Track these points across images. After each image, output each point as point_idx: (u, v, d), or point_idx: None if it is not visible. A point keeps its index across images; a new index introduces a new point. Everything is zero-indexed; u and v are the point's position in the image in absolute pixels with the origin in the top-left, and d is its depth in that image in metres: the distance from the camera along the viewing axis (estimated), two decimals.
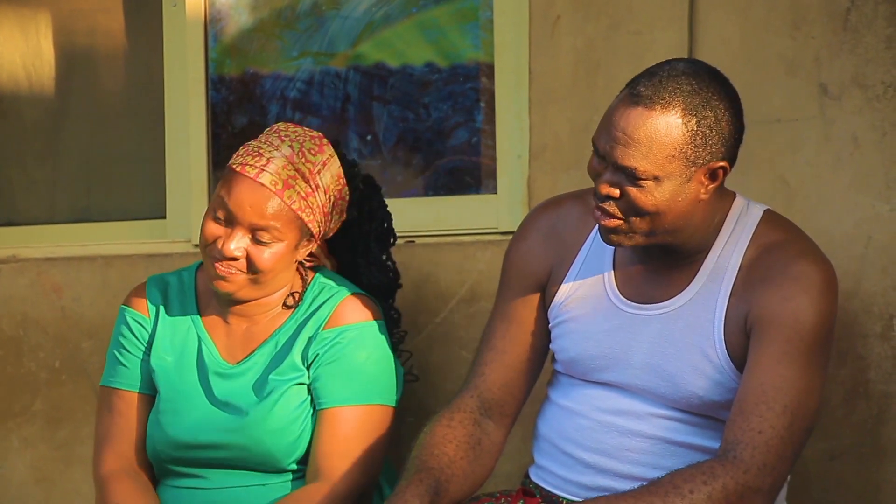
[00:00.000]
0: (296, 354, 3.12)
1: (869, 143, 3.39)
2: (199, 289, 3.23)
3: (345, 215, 3.20)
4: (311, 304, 3.16)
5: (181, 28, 4.00)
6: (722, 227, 2.85)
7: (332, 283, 3.19)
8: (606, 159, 2.74)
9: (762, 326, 2.76)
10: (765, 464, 2.69)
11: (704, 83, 2.74)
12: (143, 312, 3.22)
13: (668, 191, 2.73)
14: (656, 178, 2.72)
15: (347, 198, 3.16)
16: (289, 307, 3.17)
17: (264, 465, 3.11)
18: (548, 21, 3.63)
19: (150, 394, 3.20)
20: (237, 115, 4.10)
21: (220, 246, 3.05)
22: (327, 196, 3.10)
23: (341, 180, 3.14)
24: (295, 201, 3.05)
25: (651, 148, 2.70)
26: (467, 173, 3.94)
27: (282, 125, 3.15)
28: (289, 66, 4.09)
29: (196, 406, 3.13)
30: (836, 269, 3.34)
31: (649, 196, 2.73)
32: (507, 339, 2.99)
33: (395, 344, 3.30)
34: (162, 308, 3.21)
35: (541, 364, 3.03)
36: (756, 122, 3.45)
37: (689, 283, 2.85)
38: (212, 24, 4.05)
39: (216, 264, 3.07)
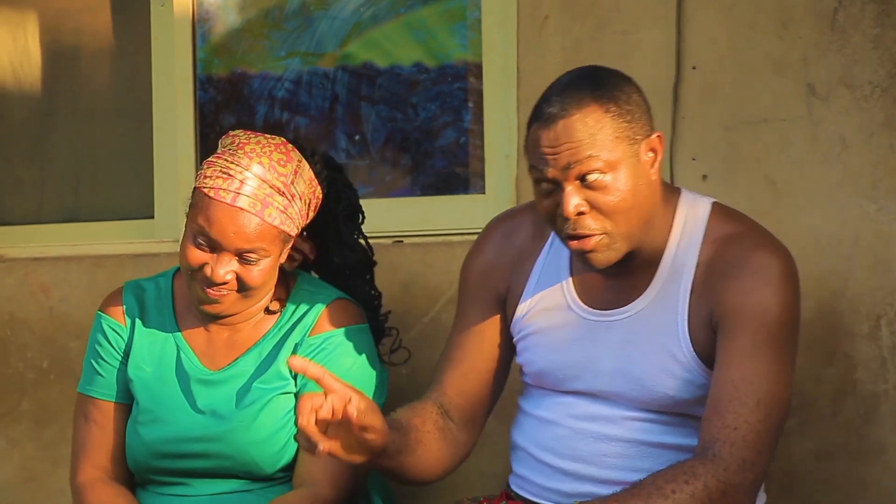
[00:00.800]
0: (281, 363, 3.11)
1: (856, 143, 3.40)
2: (175, 295, 3.21)
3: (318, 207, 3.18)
4: (294, 311, 3.16)
5: (169, 27, 3.99)
6: (673, 225, 2.86)
7: (314, 288, 3.19)
8: (559, 179, 2.74)
9: (727, 322, 2.77)
10: (744, 460, 2.69)
11: (594, 76, 2.80)
12: (118, 320, 3.21)
13: (627, 179, 2.75)
14: (613, 168, 2.74)
15: (320, 195, 3.15)
16: (272, 313, 3.17)
17: (249, 474, 3.10)
18: (536, 21, 3.63)
19: (126, 403, 3.18)
20: (225, 114, 4.10)
21: (209, 273, 3.03)
22: (304, 201, 3.09)
23: (313, 182, 3.13)
24: (275, 217, 3.04)
25: (595, 139, 2.73)
26: (455, 173, 3.94)
27: (241, 135, 3.11)
28: (277, 66, 4.08)
29: (178, 415, 3.11)
30: (824, 269, 3.36)
31: (614, 191, 2.74)
32: (465, 349, 3.00)
33: (393, 343, 3.31)
34: (138, 316, 3.19)
35: (503, 374, 3.02)
36: (743, 122, 3.46)
37: (648, 286, 2.86)
38: (200, 24, 4.05)
39: (207, 290, 3.05)
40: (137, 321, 3.19)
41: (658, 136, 2.80)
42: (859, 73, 3.40)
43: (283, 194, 3.05)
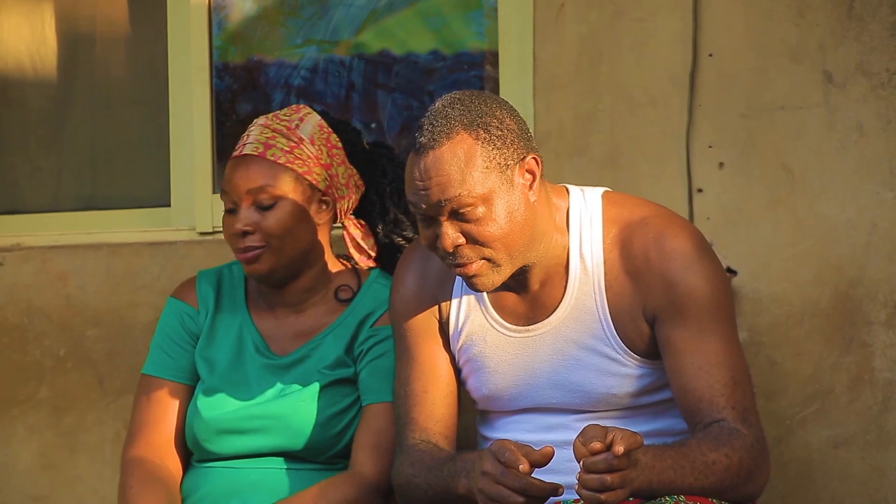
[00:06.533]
0: (346, 350, 3.16)
1: (873, 130, 3.39)
2: (248, 282, 3.28)
3: (362, 184, 3.25)
4: (364, 302, 3.20)
5: (185, 15, 3.99)
6: (570, 225, 2.86)
7: (387, 282, 3.22)
8: (433, 215, 2.75)
9: (665, 314, 2.80)
10: (758, 437, 2.75)
11: (466, 102, 2.78)
12: (192, 304, 3.27)
13: (501, 208, 2.74)
14: (486, 200, 2.73)
15: (340, 146, 3.21)
16: (342, 301, 3.20)
17: (303, 456, 3.14)
18: (552, 9, 3.63)
19: (190, 384, 3.25)
20: (241, 102, 4.10)
21: (233, 230, 3.11)
22: (316, 146, 3.16)
23: (326, 129, 3.20)
24: (280, 156, 3.13)
25: (464, 174, 2.72)
26: None
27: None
28: (293, 54, 4.08)
29: (240, 393, 3.17)
30: (841, 257, 3.36)
31: (489, 223, 2.74)
32: (425, 380, 2.98)
33: None
34: (212, 301, 3.26)
35: (461, 388, 3.01)
36: (760, 110, 3.46)
37: (563, 293, 2.86)
38: (216, 12, 4.05)
39: (240, 252, 3.14)
40: (211, 306, 3.26)
41: (534, 157, 2.78)
42: (876, 60, 3.39)
43: (287, 137, 3.15)
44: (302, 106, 3.26)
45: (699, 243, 2.84)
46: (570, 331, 2.86)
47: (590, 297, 2.84)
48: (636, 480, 2.58)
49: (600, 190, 2.91)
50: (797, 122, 3.44)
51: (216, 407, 3.17)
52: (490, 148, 2.74)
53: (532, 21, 3.66)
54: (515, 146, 2.76)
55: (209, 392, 3.19)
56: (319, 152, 3.17)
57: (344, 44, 4.04)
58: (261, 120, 3.21)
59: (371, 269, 3.29)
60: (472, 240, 2.75)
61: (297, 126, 3.18)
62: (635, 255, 2.82)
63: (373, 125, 4.01)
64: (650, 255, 2.81)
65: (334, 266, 3.26)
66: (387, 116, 4.01)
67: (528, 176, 2.78)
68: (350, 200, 3.26)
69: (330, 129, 3.22)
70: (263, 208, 3.11)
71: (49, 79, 4.30)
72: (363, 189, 3.30)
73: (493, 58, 3.82)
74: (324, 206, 3.20)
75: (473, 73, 3.92)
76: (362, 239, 3.28)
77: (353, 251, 3.28)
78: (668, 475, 2.63)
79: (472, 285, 2.81)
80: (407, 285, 3.02)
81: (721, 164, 3.49)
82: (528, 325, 2.90)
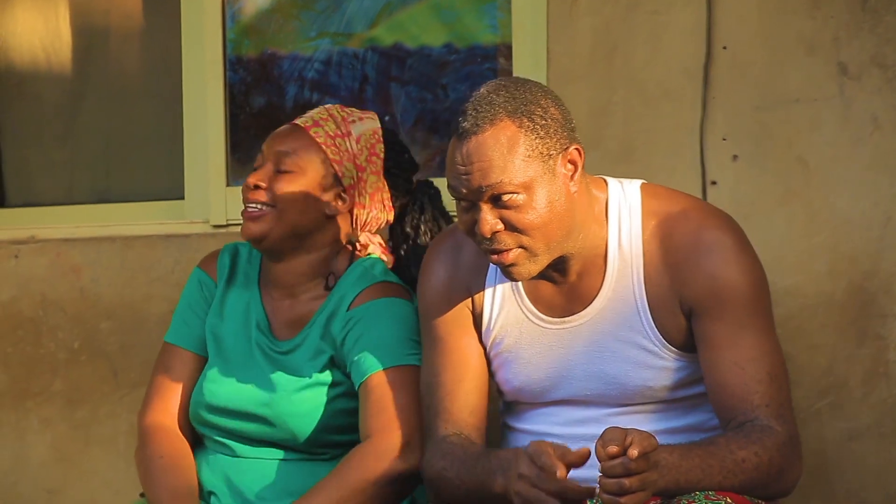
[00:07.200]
0: (328, 338, 3.15)
1: (888, 123, 3.39)
2: (263, 263, 3.29)
3: (391, 207, 3.26)
4: (343, 287, 3.19)
5: (199, 8, 4.00)
6: (609, 217, 2.85)
7: (372, 270, 3.21)
8: (474, 200, 2.75)
9: (702, 307, 2.79)
10: (791, 434, 2.74)
11: (511, 89, 2.77)
12: (211, 276, 3.30)
13: (542, 197, 2.74)
14: (527, 188, 2.73)
15: (383, 157, 3.22)
16: (328, 289, 3.21)
17: (290, 445, 3.15)
18: (566, 1, 3.62)
19: (203, 355, 3.27)
20: (255, 95, 4.10)
21: (247, 181, 3.16)
22: (360, 145, 3.19)
23: (377, 137, 3.23)
24: (320, 136, 3.18)
25: (506, 161, 2.72)
26: None
27: None
28: (307, 47, 4.09)
29: (237, 374, 3.18)
30: (855, 250, 3.35)
31: (529, 210, 2.74)
32: (456, 370, 2.95)
33: None
34: (228, 276, 3.29)
35: (490, 380, 3.00)
36: (774, 103, 3.45)
37: (601, 284, 2.85)
38: (229, 5, 4.05)
39: (245, 208, 3.17)
40: (227, 278, 3.28)
41: (576, 148, 2.78)
42: (891, 52, 3.38)
43: (338, 125, 3.20)
44: (373, 113, 3.30)
45: (739, 237, 2.83)
46: (608, 322, 2.84)
47: (628, 289, 2.83)
48: (659, 482, 2.57)
49: (638, 182, 2.90)
50: (811, 114, 3.43)
51: (213, 384, 3.19)
52: (533, 136, 2.73)
53: (546, 14, 3.65)
54: (559, 136, 2.76)
55: (210, 368, 3.21)
56: (360, 152, 3.20)
57: (357, 37, 4.04)
58: (328, 105, 3.28)
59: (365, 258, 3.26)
60: (510, 227, 2.74)
61: (354, 122, 3.22)
62: (675, 247, 2.81)
63: (386, 118, 4.01)
64: (690, 248, 2.80)
65: (337, 260, 3.25)
66: (400, 109, 4.01)
67: (569, 166, 2.78)
68: (371, 215, 3.24)
69: (381, 140, 3.24)
70: (281, 171, 3.15)
71: (63, 72, 4.31)
72: (391, 213, 3.29)
73: (507, 51, 3.82)
74: (339, 202, 3.20)
75: (487, 66, 3.92)
76: (381, 252, 3.28)
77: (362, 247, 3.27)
78: (695, 474, 2.62)
79: (507, 274, 2.80)
80: (438, 275, 3.00)
81: (735, 157, 3.49)
82: (565, 316, 2.88)
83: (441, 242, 3.04)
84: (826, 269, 3.39)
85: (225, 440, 3.19)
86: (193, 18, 4.01)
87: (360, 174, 3.20)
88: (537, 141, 2.73)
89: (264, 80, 4.11)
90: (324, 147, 3.17)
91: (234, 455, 3.18)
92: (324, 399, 3.13)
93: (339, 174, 3.18)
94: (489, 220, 2.74)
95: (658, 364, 2.83)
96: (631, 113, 3.56)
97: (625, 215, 2.85)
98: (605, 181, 2.89)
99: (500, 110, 2.74)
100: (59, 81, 4.31)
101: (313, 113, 3.24)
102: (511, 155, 2.72)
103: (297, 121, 3.22)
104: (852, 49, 3.41)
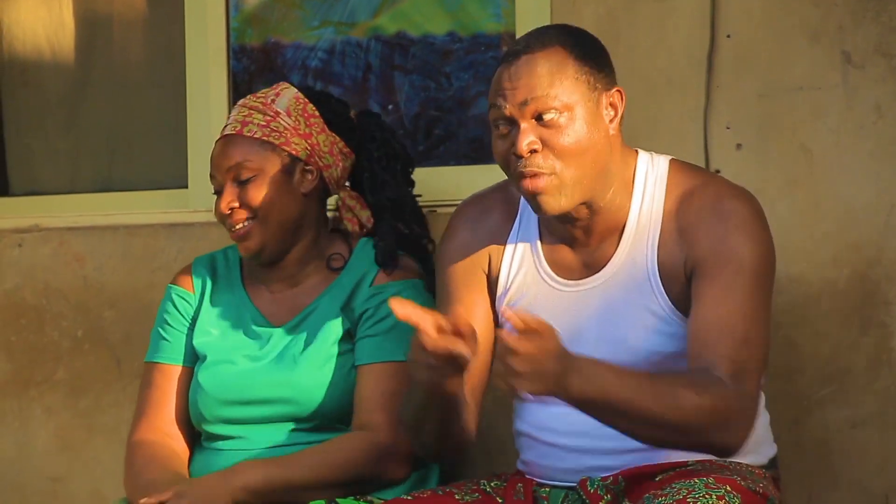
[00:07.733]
0: (343, 307, 3.18)
1: (892, 111, 3.38)
2: (243, 263, 3.33)
3: (349, 152, 3.30)
4: (356, 266, 3.23)
5: None
6: (634, 184, 2.89)
7: (376, 248, 3.26)
8: (515, 116, 2.78)
9: (703, 267, 2.79)
10: (744, 390, 2.71)
11: (566, 27, 2.88)
12: (187, 289, 3.32)
13: (582, 121, 2.78)
14: (569, 108, 2.77)
15: (318, 115, 3.25)
16: (334, 270, 3.23)
17: (308, 421, 3.15)
18: None
19: (189, 366, 3.28)
20: (258, 84, 4.10)
21: (218, 210, 3.18)
22: (293, 117, 3.22)
23: (302, 100, 3.25)
24: (256, 131, 3.19)
25: (553, 78, 2.78)
26: (489, 143, 3.93)
27: None
28: (310, 36, 4.09)
29: (241, 365, 3.20)
30: (859, 238, 3.35)
31: (569, 132, 2.77)
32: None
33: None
34: (208, 284, 3.31)
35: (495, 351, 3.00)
36: (778, 91, 3.45)
37: (616, 247, 2.88)
38: None
39: (231, 231, 3.20)
40: (207, 287, 3.31)
41: (618, 90, 2.84)
42: (895, 41, 3.38)
43: (263, 112, 3.21)
44: (280, 83, 3.32)
45: (756, 212, 2.86)
46: (620, 286, 2.86)
47: (641, 254, 2.86)
48: (564, 378, 2.53)
49: (668, 157, 2.94)
50: (815, 102, 3.43)
51: (217, 378, 3.20)
52: (582, 63, 2.80)
53: (549, 2, 3.65)
54: (606, 73, 2.84)
55: (209, 367, 3.22)
56: (297, 123, 3.22)
57: (361, 25, 4.04)
58: (241, 101, 3.28)
59: (361, 236, 3.32)
60: (548, 146, 2.77)
61: (273, 101, 3.24)
62: (693, 210, 2.85)
63: (390, 107, 4.01)
64: (707, 211, 2.83)
65: (327, 237, 3.30)
66: (404, 98, 4.01)
67: (610, 109, 2.83)
68: (338, 168, 3.29)
69: (306, 100, 3.26)
70: (243, 182, 3.17)
71: (66, 61, 4.31)
72: (352, 157, 3.33)
73: (511, 39, 3.81)
74: (308, 176, 3.24)
75: (490, 54, 3.92)
76: (358, 210, 3.30)
77: (347, 222, 3.32)
78: (626, 392, 2.60)
79: (535, 206, 2.82)
80: (459, 235, 3.04)
81: (739, 145, 3.49)
82: (579, 278, 2.90)
83: (466, 207, 3.08)
84: (830, 256, 3.39)
85: (241, 431, 3.19)
86: (196, 7, 4.01)
87: (309, 141, 3.22)
88: (586, 68, 2.80)
89: (268, 69, 4.11)
90: (265, 139, 3.19)
91: (252, 447, 3.17)
92: (344, 369, 3.16)
93: (294, 153, 3.21)
94: (528, 137, 2.77)
95: (666, 330, 2.84)
96: (634, 101, 3.52)
97: (650, 184, 2.89)
98: (636, 151, 2.93)
99: (553, 37, 2.82)
100: (63, 70, 4.31)
101: (234, 116, 3.24)
102: (559, 74, 2.77)
103: (226, 132, 3.23)
104: (856, 37, 3.40)
